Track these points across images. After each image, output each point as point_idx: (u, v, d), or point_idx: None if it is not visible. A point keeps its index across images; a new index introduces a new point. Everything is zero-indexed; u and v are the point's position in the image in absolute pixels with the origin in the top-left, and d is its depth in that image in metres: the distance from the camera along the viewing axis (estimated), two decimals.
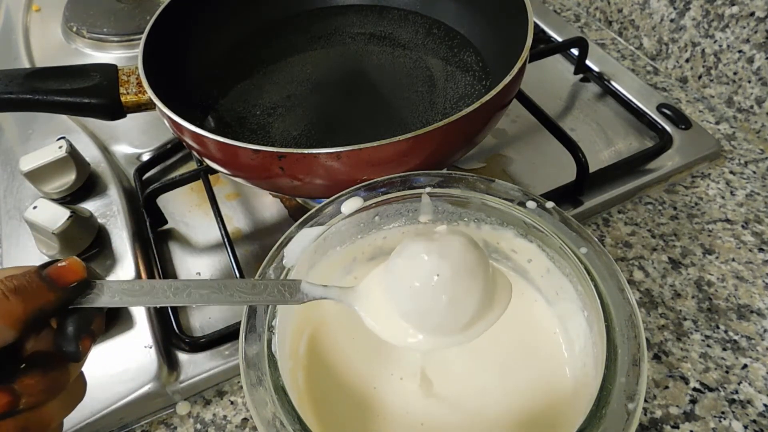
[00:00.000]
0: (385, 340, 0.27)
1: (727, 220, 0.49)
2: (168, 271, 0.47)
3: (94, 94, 0.43)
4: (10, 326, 0.24)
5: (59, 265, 0.26)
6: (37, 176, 0.50)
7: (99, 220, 0.50)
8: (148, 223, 0.49)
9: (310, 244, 0.33)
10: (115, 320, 0.43)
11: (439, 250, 0.26)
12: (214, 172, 0.50)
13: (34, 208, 0.46)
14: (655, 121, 0.55)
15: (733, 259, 0.46)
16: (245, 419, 0.40)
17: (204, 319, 0.44)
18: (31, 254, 0.48)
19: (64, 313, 0.26)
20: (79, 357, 0.26)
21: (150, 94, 0.41)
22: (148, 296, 0.26)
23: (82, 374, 0.28)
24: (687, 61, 0.60)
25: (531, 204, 0.33)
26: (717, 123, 0.57)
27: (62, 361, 0.26)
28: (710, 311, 0.43)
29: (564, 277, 0.33)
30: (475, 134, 0.41)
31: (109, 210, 0.51)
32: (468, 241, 0.27)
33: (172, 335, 0.43)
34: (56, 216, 0.45)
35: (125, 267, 0.46)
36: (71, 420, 0.38)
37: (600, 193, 0.50)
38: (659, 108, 0.57)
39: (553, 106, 0.59)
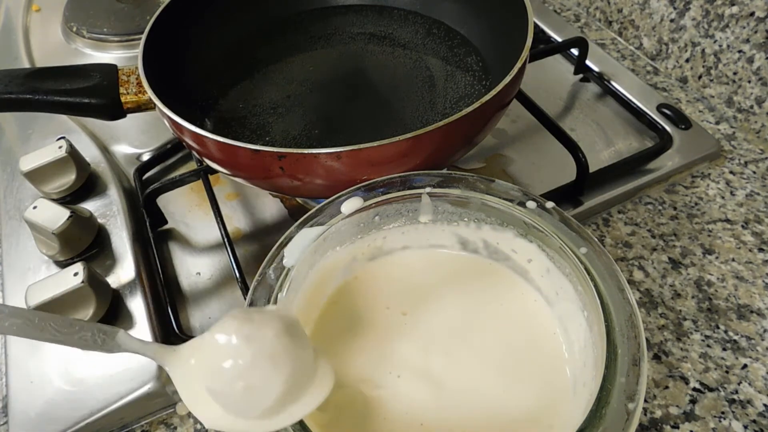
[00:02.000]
0: (191, 411, 0.26)
1: (727, 220, 0.49)
2: (168, 271, 0.47)
3: (94, 94, 0.43)
4: None
5: None
6: (37, 176, 0.50)
7: (99, 220, 0.50)
8: (148, 223, 0.49)
9: (310, 244, 0.33)
10: (116, 320, 0.43)
11: (249, 334, 0.25)
12: (214, 172, 0.50)
13: (34, 208, 0.46)
14: (655, 121, 0.55)
15: (733, 259, 0.46)
16: None
17: (204, 319, 0.44)
18: (31, 254, 0.48)
19: None
20: None
21: (150, 94, 0.41)
22: None
23: None
24: (687, 61, 0.60)
25: (531, 204, 0.33)
26: (717, 123, 0.57)
27: None
28: (710, 311, 0.43)
29: (564, 277, 0.33)
30: (475, 134, 0.41)
31: (109, 210, 0.51)
32: (283, 328, 0.26)
33: (172, 335, 0.43)
34: (56, 216, 0.45)
35: (125, 267, 0.46)
36: (71, 420, 0.38)
37: (600, 193, 0.50)
38: (659, 108, 0.57)
39: (553, 106, 0.59)
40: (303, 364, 0.26)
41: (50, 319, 0.26)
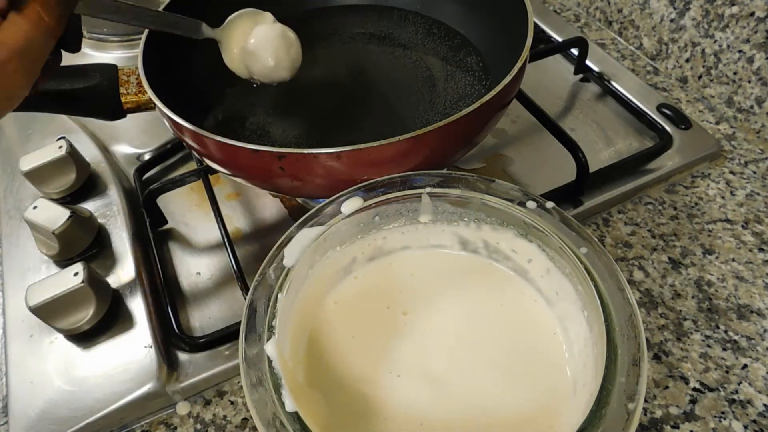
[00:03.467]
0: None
1: (727, 220, 0.49)
2: (168, 272, 0.47)
3: (94, 94, 0.43)
4: None
5: None
6: (37, 176, 0.50)
7: (99, 220, 0.50)
8: (148, 223, 0.49)
9: (310, 244, 0.33)
10: (116, 320, 0.43)
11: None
12: (214, 172, 0.50)
13: (34, 208, 0.46)
14: (655, 121, 0.55)
15: (733, 259, 0.46)
16: (245, 419, 0.40)
17: (204, 319, 0.44)
18: (31, 254, 0.48)
19: None
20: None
21: (150, 94, 0.41)
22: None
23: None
24: (687, 61, 0.60)
25: (531, 204, 0.33)
26: (717, 123, 0.57)
27: None
28: (710, 311, 0.43)
29: (564, 277, 0.33)
30: (475, 134, 0.41)
31: (109, 210, 0.51)
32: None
33: (172, 335, 0.43)
34: (56, 216, 0.45)
35: (125, 267, 0.46)
36: (71, 420, 0.38)
37: (600, 193, 0.50)
38: (659, 108, 0.57)
39: (553, 106, 0.59)
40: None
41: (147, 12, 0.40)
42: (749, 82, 0.54)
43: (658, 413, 0.38)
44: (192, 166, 0.55)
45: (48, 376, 0.40)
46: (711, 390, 0.39)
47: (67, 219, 0.45)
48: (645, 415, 0.38)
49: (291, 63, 0.46)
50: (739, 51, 0.54)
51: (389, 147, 0.36)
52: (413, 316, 0.35)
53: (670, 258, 0.46)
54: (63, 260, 0.47)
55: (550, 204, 0.33)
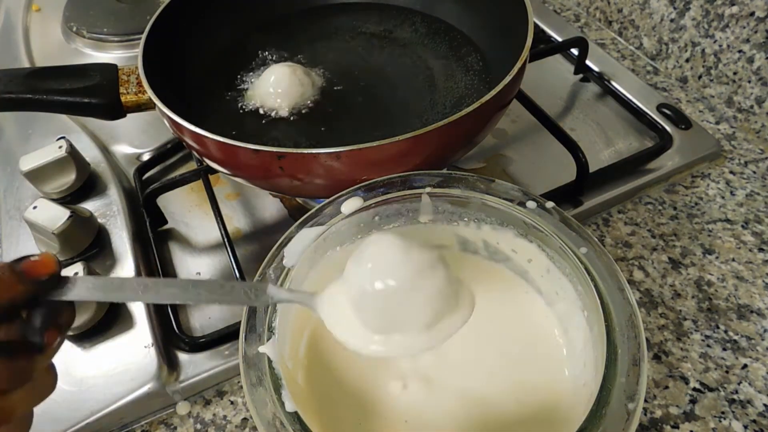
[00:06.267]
0: (346, 346, 0.28)
1: (727, 220, 0.49)
2: (168, 271, 0.47)
3: (94, 94, 0.43)
4: None
5: (32, 259, 0.27)
6: (37, 176, 0.50)
7: (99, 220, 0.50)
8: (148, 223, 0.49)
9: (310, 244, 0.33)
10: (116, 320, 0.43)
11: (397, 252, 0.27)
12: (214, 172, 0.50)
13: (34, 208, 0.46)
14: (655, 121, 0.55)
15: (733, 259, 0.46)
16: (245, 419, 0.40)
17: (204, 319, 0.44)
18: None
19: (33, 306, 0.27)
20: (44, 348, 0.26)
21: (150, 94, 0.41)
22: (117, 292, 0.28)
23: (52, 367, 0.28)
24: (687, 61, 0.60)
25: (531, 204, 0.33)
26: (717, 123, 0.57)
27: (28, 352, 0.26)
28: (710, 311, 0.43)
29: (564, 277, 0.33)
30: (475, 134, 0.41)
31: (109, 210, 0.51)
32: (415, 245, 0.28)
33: (172, 335, 0.43)
34: (56, 216, 0.45)
35: (125, 267, 0.46)
36: (71, 420, 0.38)
37: (600, 193, 0.50)
38: (659, 108, 0.57)
39: (553, 106, 0.59)
40: (441, 277, 0.28)
41: (203, 286, 0.28)
42: (749, 82, 0.54)
43: (658, 413, 0.38)
44: (192, 166, 0.55)
45: None
46: (711, 390, 0.39)
47: (67, 219, 0.45)
48: (645, 415, 0.38)
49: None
50: (739, 51, 0.54)
51: (389, 147, 0.36)
52: None
53: (670, 258, 0.46)
54: (63, 260, 0.47)
55: (550, 204, 0.33)
